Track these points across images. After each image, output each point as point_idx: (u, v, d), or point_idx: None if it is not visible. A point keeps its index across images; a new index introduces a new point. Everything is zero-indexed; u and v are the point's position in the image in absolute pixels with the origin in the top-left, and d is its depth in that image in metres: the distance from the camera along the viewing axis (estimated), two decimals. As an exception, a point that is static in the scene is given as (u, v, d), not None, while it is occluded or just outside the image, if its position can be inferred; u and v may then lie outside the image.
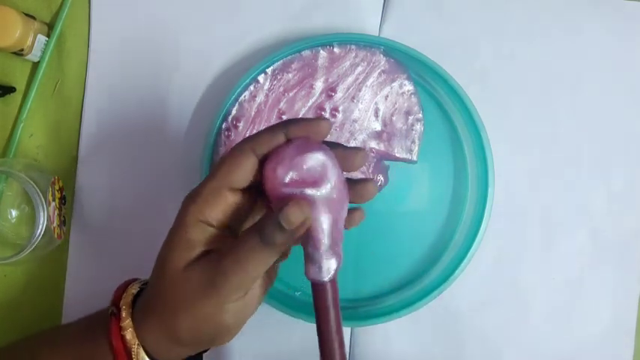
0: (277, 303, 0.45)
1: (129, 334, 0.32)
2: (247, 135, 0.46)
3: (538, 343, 0.48)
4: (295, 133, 0.31)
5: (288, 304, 0.46)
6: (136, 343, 0.32)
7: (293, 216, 0.28)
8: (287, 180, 0.29)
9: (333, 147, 0.32)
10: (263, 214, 0.35)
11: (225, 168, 0.31)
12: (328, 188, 0.30)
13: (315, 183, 0.29)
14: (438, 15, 0.48)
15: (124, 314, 0.33)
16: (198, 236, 0.31)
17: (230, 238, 0.32)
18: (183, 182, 0.48)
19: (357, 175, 0.46)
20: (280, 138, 0.31)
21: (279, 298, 0.46)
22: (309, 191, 0.29)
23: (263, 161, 0.31)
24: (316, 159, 0.30)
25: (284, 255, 0.35)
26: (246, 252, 0.30)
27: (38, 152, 0.49)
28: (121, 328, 0.33)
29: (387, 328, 0.47)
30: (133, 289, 0.35)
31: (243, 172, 0.31)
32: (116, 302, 0.34)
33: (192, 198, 0.32)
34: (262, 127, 0.45)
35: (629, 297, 0.48)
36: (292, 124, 0.31)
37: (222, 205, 0.32)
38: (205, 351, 0.37)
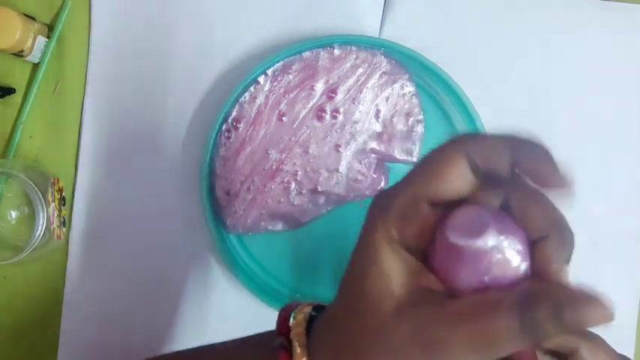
0: (277, 304, 0.45)
1: None
2: (247, 137, 0.46)
3: (538, 344, 0.47)
4: (527, 169, 0.24)
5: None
6: None
7: (591, 318, 0.22)
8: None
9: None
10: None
11: (429, 171, 0.24)
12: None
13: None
14: (438, 16, 0.48)
15: (298, 350, 0.27)
16: (397, 267, 0.23)
17: (428, 273, 0.24)
18: (183, 183, 0.48)
19: (355, 175, 0.46)
20: (503, 157, 0.23)
21: (279, 299, 0.46)
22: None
23: (477, 173, 0.23)
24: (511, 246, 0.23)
25: None
26: (490, 332, 0.21)
27: (38, 153, 0.49)
28: None
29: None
30: (302, 316, 0.28)
31: (453, 179, 0.23)
32: (284, 332, 0.28)
33: (381, 209, 0.24)
34: (262, 129, 0.46)
35: (630, 298, 0.48)
36: (528, 154, 0.24)
37: (419, 223, 0.24)
38: None
